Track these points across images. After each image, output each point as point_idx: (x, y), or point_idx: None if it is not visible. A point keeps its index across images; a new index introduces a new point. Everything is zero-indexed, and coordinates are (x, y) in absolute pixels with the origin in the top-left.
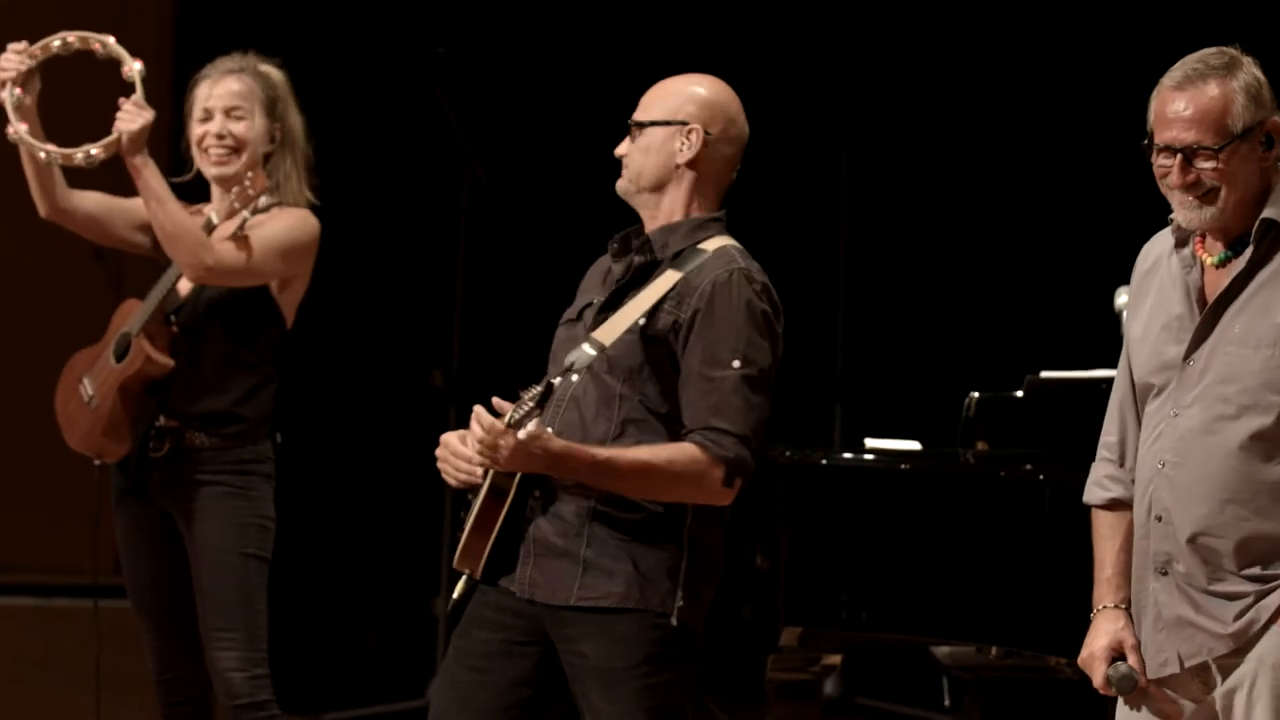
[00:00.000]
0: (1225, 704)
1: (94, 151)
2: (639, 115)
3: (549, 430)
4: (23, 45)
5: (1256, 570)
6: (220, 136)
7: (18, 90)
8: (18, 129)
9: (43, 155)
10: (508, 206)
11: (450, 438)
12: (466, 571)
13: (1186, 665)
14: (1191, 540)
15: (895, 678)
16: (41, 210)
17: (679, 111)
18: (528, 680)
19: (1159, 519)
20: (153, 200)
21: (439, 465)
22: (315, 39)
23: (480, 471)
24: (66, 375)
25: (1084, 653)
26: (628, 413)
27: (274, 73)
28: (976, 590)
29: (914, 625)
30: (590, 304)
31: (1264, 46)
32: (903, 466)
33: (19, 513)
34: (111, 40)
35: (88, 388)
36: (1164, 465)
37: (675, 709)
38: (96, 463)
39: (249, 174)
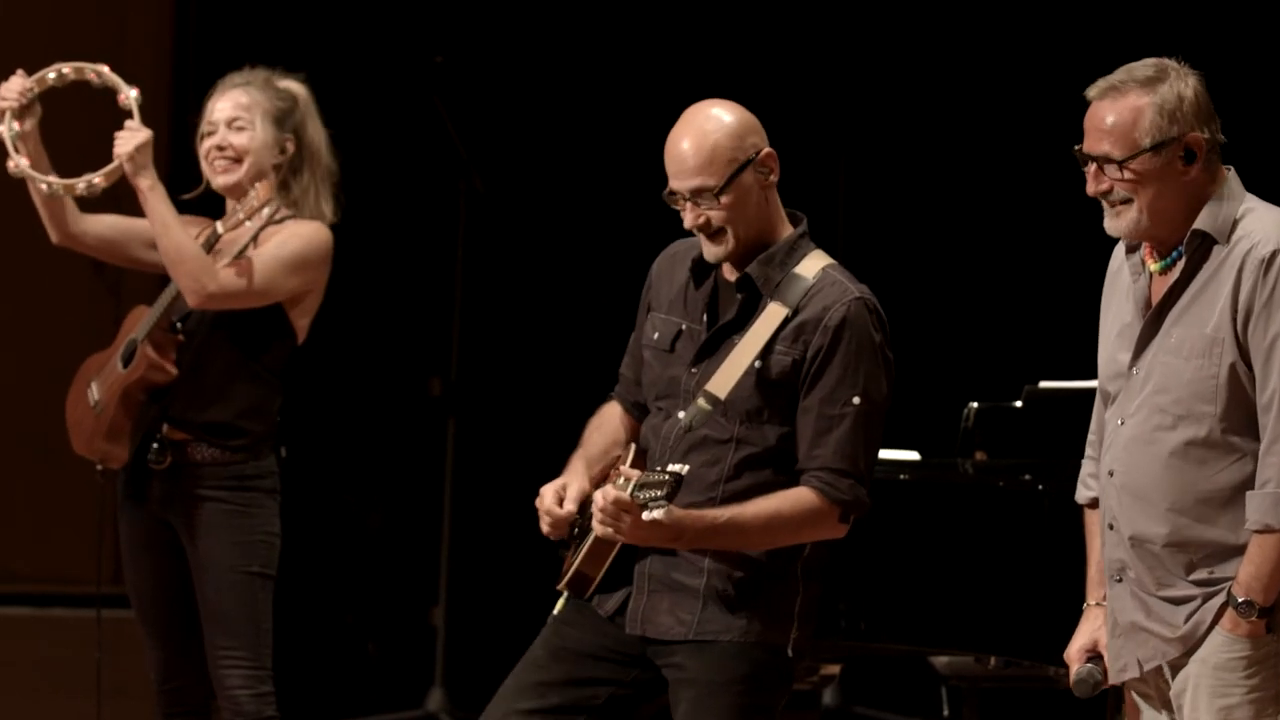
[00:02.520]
0: (1178, 704)
1: (95, 180)
2: (707, 181)
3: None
4: (21, 77)
5: (1203, 574)
6: (221, 148)
7: (16, 123)
8: (19, 163)
9: (44, 187)
10: (505, 216)
11: (547, 492)
12: (568, 592)
13: (1144, 670)
14: (1138, 548)
15: (894, 688)
16: (53, 237)
17: (745, 148)
18: (609, 681)
19: (1110, 527)
20: (158, 223)
21: (537, 508)
22: (314, 48)
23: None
24: (78, 380)
25: (1066, 650)
26: (743, 454)
27: (294, 87)
28: (975, 600)
29: (912, 635)
30: (681, 331)
31: (1261, 46)
32: (901, 476)
33: (17, 521)
34: (106, 69)
35: (94, 392)
36: (1112, 474)
37: None
38: (99, 468)
39: (254, 185)
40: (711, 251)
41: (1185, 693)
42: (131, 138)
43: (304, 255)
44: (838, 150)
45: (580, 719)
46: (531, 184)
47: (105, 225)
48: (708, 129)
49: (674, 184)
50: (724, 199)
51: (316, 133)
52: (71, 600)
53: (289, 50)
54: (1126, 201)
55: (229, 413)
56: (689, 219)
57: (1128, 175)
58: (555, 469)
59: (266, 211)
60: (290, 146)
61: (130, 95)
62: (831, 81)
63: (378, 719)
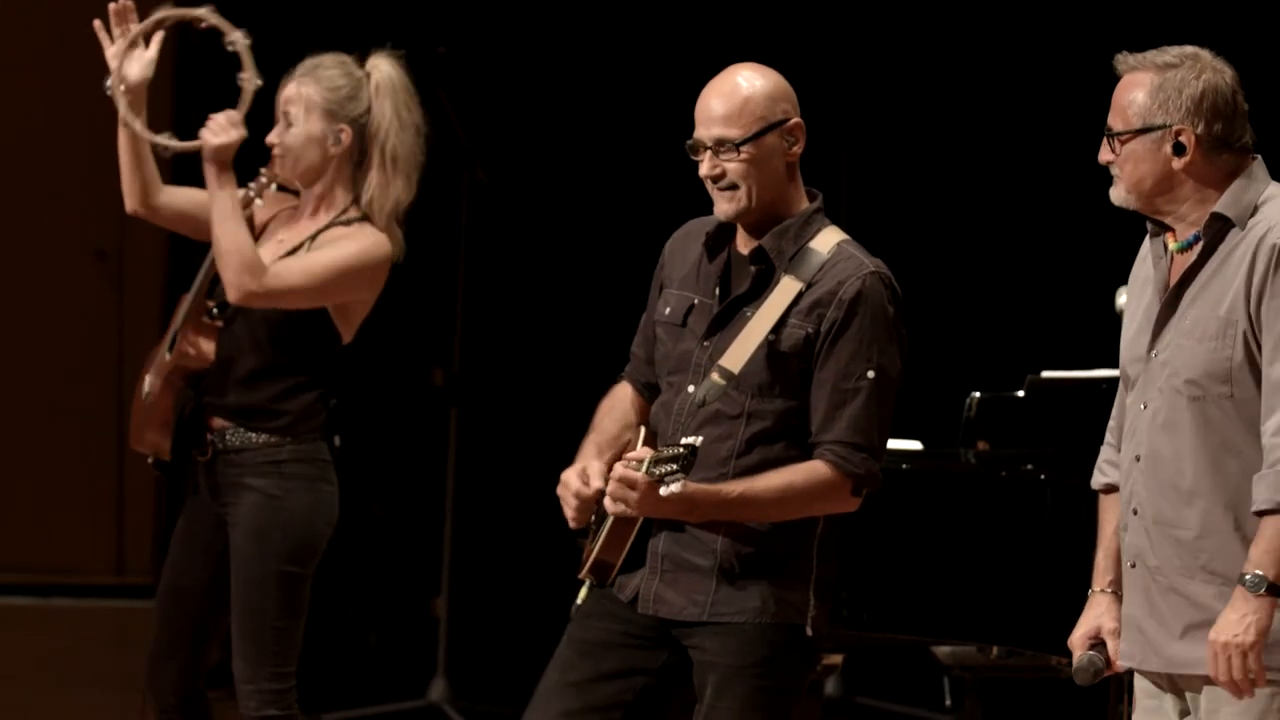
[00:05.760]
0: (1190, 692)
1: (173, 144)
2: (731, 131)
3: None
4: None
5: (1219, 585)
6: (271, 144)
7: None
8: (119, 96)
9: (134, 126)
10: (508, 207)
11: (570, 477)
12: (590, 580)
13: (1133, 664)
14: (1163, 534)
15: (896, 677)
16: (130, 205)
17: (775, 111)
18: (638, 670)
19: (1135, 512)
20: (216, 212)
21: (560, 495)
22: (316, 38)
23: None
24: (141, 374)
25: (1070, 637)
26: (755, 429)
27: (376, 68)
28: (977, 590)
29: (915, 625)
30: (693, 306)
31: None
32: (904, 466)
33: (20, 511)
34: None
35: (147, 384)
36: (1138, 459)
37: (781, 712)
38: (150, 461)
39: (273, 171)
40: (722, 208)
41: (1203, 696)
42: (225, 133)
43: (353, 267)
44: (840, 139)
45: (616, 715)
46: (534, 175)
47: (183, 198)
48: (742, 84)
49: (699, 132)
50: (744, 151)
51: (383, 116)
52: (74, 590)
53: (290, 41)
54: (1118, 176)
55: (260, 397)
56: (705, 168)
57: (1117, 150)
58: (557, 459)
59: (352, 213)
60: (345, 137)
61: (249, 82)
62: (834, 68)
63: (380, 709)
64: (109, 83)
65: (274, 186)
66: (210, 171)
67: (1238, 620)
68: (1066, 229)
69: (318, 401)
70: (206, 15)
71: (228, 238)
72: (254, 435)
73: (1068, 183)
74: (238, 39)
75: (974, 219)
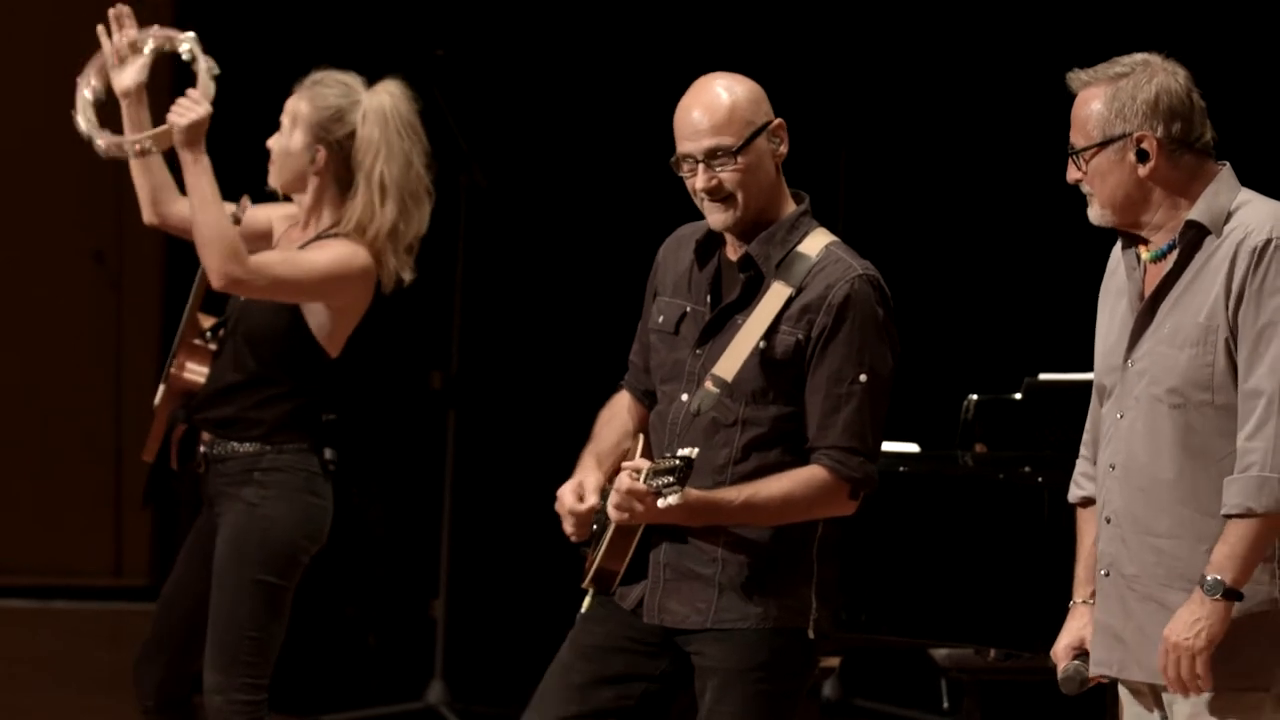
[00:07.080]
0: (1169, 701)
1: (145, 143)
2: (725, 139)
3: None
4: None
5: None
6: (269, 148)
7: (97, 82)
8: (85, 118)
9: (100, 143)
10: (506, 210)
11: (565, 493)
12: (593, 588)
13: (1110, 673)
14: (1141, 542)
15: (894, 680)
16: (146, 217)
17: (759, 114)
18: (639, 676)
19: (1108, 520)
20: (196, 198)
21: (558, 512)
22: (314, 41)
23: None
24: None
25: (1053, 648)
26: (750, 436)
27: (372, 99)
28: (975, 593)
29: (912, 627)
30: (685, 314)
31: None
32: (901, 469)
33: (21, 514)
34: (192, 38)
35: (159, 396)
36: (1114, 467)
37: (781, 716)
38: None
39: (244, 205)
40: (719, 218)
41: (1177, 700)
42: (191, 110)
43: (333, 269)
44: (839, 141)
45: None
46: (532, 178)
47: None
48: (722, 93)
49: (687, 147)
50: (741, 159)
51: (369, 142)
52: (72, 592)
53: (289, 43)
54: (1091, 194)
55: (237, 406)
56: (700, 181)
57: (1085, 168)
58: (555, 462)
59: (336, 228)
60: (321, 158)
61: (203, 66)
62: (833, 71)
63: (378, 711)
64: (75, 114)
65: (245, 214)
66: (185, 157)
67: (1190, 624)
68: (1064, 230)
69: (298, 412)
70: (152, 35)
71: (209, 223)
72: (236, 445)
73: (1065, 184)
74: (187, 40)
75: (972, 221)
